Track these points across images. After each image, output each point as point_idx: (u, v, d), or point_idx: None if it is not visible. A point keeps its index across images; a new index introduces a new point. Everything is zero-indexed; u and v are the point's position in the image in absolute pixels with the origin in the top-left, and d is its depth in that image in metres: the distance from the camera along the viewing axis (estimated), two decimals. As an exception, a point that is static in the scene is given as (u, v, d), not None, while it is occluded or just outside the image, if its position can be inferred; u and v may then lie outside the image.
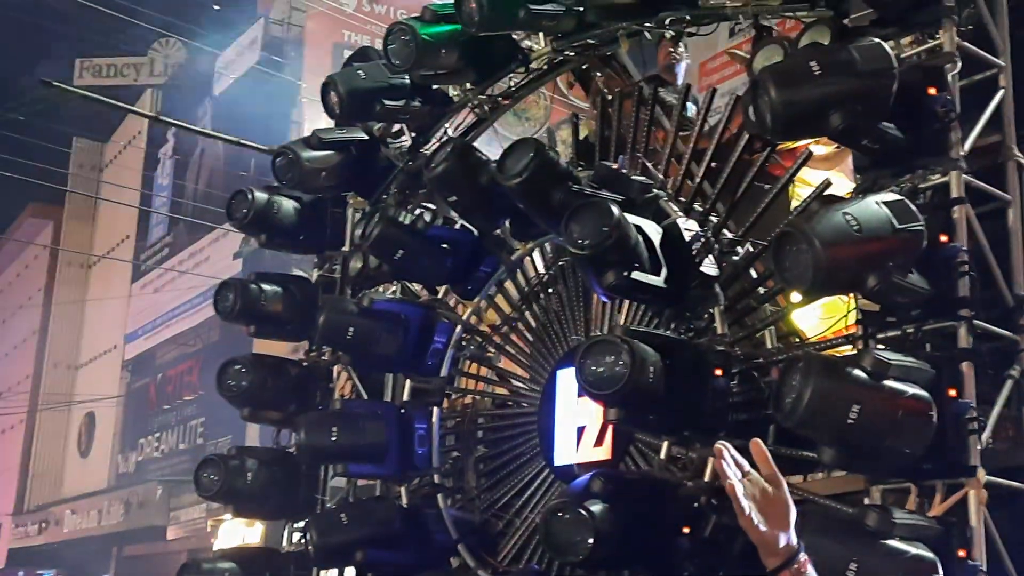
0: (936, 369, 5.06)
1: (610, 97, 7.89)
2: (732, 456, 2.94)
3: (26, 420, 29.73)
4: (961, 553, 4.91)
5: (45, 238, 30.49)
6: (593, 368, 5.93)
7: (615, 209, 6.19)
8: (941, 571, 4.66)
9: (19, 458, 29.81)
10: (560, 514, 6.01)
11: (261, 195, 8.56)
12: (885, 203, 5.02)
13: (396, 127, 8.72)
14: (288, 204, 8.69)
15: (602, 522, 5.86)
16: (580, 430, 7.22)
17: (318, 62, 23.90)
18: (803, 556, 2.85)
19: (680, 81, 8.73)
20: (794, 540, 2.86)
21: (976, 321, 5.22)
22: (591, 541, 5.84)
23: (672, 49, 8.74)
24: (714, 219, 6.67)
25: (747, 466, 2.94)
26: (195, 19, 27.50)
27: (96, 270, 31.70)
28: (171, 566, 11.90)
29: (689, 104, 7.70)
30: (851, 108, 4.89)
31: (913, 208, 4.93)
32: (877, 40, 5.05)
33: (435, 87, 8.29)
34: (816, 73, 4.95)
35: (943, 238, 5.22)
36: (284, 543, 8.52)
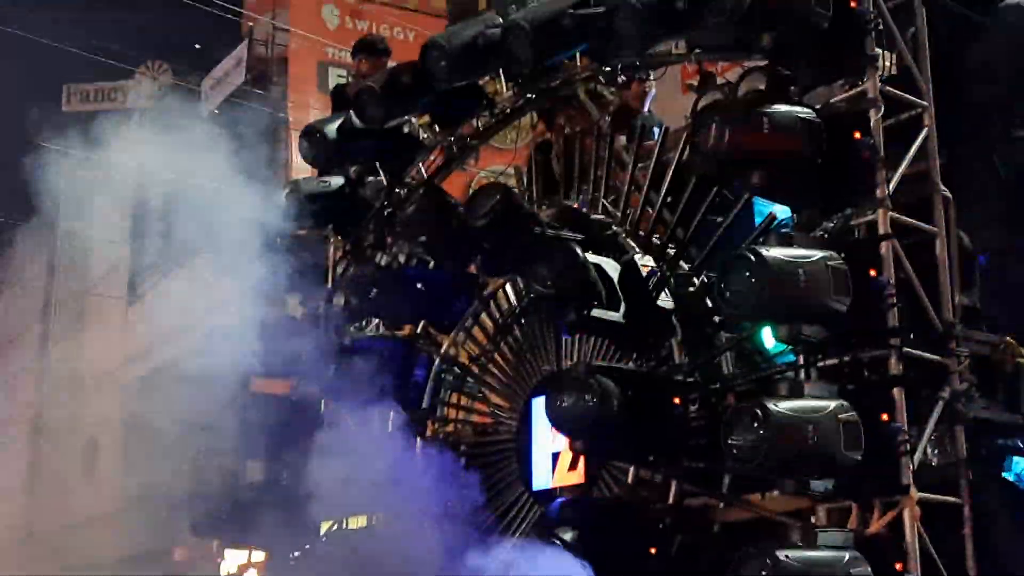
0: (871, 394, 5.49)
1: (572, 135, 8.27)
2: None
3: (28, 447, 30.01)
4: (898, 566, 5.32)
5: (40, 266, 30.78)
6: (559, 403, 6.35)
7: (575, 250, 6.61)
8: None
9: (24, 484, 30.11)
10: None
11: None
12: (817, 241, 5.47)
13: (372, 169, 9.11)
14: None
15: (575, 550, 6.27)
16: (555, 456, 7.61)
17: (303, 80, 24.23)
18: None
19: (646, 110, 9.09)
20: None
21: (907, 348, 5.62)
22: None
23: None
24: (672, 251, 7.06)
25: None
26: (179, 44, 27.79)
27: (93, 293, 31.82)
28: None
29: (657, 130, 8.05)
30: (771, 167, 5.31)
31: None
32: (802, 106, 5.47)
33: (406, 131, 8.68)
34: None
35: (872, 272, 5.62)
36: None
